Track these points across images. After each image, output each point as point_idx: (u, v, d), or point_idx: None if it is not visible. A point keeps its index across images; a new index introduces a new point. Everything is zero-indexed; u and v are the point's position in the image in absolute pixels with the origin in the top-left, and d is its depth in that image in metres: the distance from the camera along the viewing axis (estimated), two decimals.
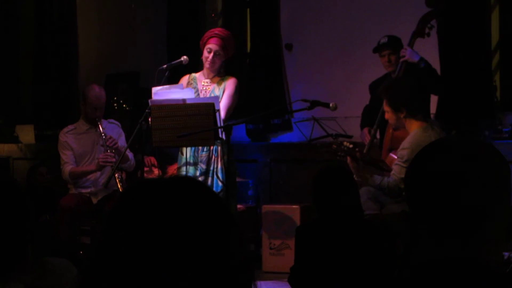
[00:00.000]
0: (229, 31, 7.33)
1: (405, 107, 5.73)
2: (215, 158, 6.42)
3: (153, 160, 7.80)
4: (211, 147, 6.38)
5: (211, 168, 6.45)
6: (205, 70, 6.62)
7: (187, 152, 6.49)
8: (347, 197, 4.32)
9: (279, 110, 8.34)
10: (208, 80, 6.59)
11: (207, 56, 6.50)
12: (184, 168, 6.52)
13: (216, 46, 6.48)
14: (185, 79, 6.70)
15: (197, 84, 6.61)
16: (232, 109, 6.53)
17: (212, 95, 6.47)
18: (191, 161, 6.47)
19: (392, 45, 6.76)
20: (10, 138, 9.99)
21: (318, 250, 4.26)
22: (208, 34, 6.57)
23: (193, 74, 6.70)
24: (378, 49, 6.87)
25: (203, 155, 6.44)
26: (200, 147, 6.42)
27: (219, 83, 6.55)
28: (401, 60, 6.55)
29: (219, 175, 6.39)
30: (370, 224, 4.50)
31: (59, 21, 9.78)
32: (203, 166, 6.45)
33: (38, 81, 9.85)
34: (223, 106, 6.34)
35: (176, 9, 9.21)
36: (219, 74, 6.62)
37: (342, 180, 4.35)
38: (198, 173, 6.43)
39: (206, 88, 6.57)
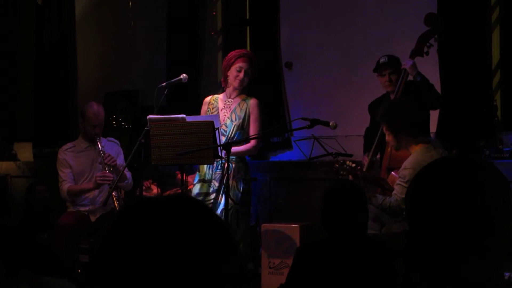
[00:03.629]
0: (229, 49, 7.35)
1: (401, 129, 5.70)
2: (228, 176, 6.45)
3: (150, 182, 7.78)
4: (225, 165, 6.39)
5: (223, 186, 6.47)
6: (228, 90, 6.71)
7: (204, 170, 6.56)
8: (361, 215, 4.28)
9: (278, 128, 8.31)
10: (230, 100, 6.65)
11: (237, 74, 6.59)
12: (198, 185, 6.60)
13: (246, 64, 6.58)
14: (207, 100, 6.81)
15: (218, 104, 6.67)
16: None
17: (233, 114, 6.58)
18: (205, 178, 6.54)
19: (392, 64, 6.74)
20: (8, 155, 10.00)
21: (319, 271, 4.22)
22: (234, 54, 6.66)
23: (216, 95, 6.77)
24: (378, 69, 6.83)
25: (217, 172, 6.50)
26: (214, 165, 6.44)
27: (241, 104, 6.63)
28: (402, 67, 6.52)
29: (230, 193, 6.41)
30: (374, 243, 4.44)
31: (58, 38, 9.81)
32: (216, 183, 6.51)
33: (36, 99, 9.87)
34: (252, 132, 6.45)
35: (176, 27, 9.22)
36: (242, 93, 6.69)
37: (356, 198, 4.30)
38: (210, 190, 6.50)
39: (228, 106, 6.62)
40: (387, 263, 4.27)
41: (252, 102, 6.64)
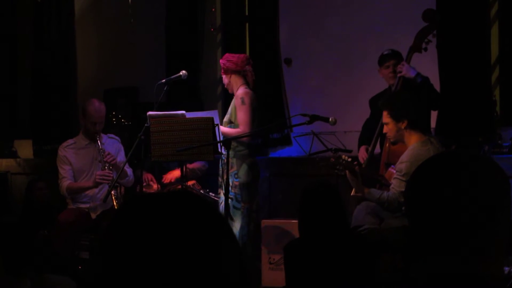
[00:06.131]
0: (228, 46, 7.37)
1: (406, 118, 5.73)
2: (228, 171, 6.50)
3: (150, 177, 7.79)
4: (224, 161, 6.46)
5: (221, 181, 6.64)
6: None
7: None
8: (337, 214, 4.29)
9: (278, 124, 8.32)
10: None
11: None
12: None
13: (222, 73, 6.70)
14: None
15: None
16: (250, 120, 6.57)
17: (229, 115, 6.66)
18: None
19: (396, 56, 6.75)
20: (9, 153, 9.99)
21: (307, 269, 4.24)
22: None
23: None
24: (383, 60, 6.82)
25: (220, 169, 6.63)
26: (219, 162, 6.49)
27: (232, 101, 6.68)
28: (398, 75, 6.54)
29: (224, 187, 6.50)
30: (356, 239, 4.46)
31: (57, 35, 9.80)
32: (219, 179, 6.68)
33: (36, 96, 9.86)
34: (239, 122, 6.47)
35: (175, 23, 9.22)
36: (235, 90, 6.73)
37: (327, 198, 4.32)
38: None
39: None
40: (369, 258, 4.28)
41: (237, 91, 6.67)
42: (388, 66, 6.78)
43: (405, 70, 6.48)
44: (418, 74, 6.45)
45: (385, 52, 6.83)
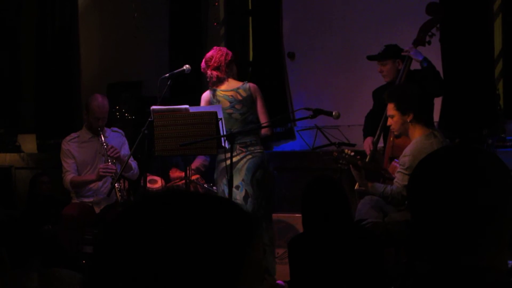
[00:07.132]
0: (232, 40, 7.34)
1: (412, 111, 5.71)
2: (232, 167, 6.52)
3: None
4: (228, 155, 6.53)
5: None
6: None
7: None
8: (336, 209, 4.30)
9: (281, 118, 8.32)
10: None
11: None
12: None
13: None
14: None
15: None
16: None
17: None
18: None
19: (383, 56, 6.72)
20: (12, 147, 10.01)
21: (311, 263, 4.25)
22: None
23: None
24: (370, 58, 6.84)
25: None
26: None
27: None
28: (403, 53, 6.52)
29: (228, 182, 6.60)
30: (362, 234, 4.47)
31: (60, 30, 9.82)
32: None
33: (40, 91, 9.88)
34: None
35: (179, 18, 9.22)
36: None
37: (329, 192, 4.33)
38: None
39: None
40: (373, 252, 4.29)
41: None
42: (378, 64, 6.79)
43: (413, 53, 6.47)
44: (425, 58, 6.44)
45: (379, 51, 6.81)
